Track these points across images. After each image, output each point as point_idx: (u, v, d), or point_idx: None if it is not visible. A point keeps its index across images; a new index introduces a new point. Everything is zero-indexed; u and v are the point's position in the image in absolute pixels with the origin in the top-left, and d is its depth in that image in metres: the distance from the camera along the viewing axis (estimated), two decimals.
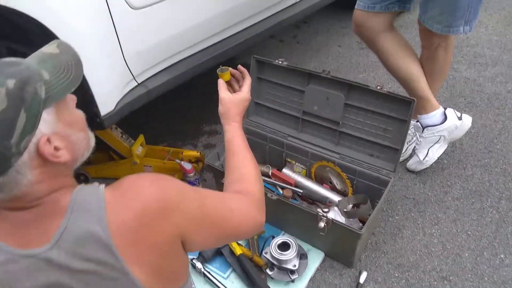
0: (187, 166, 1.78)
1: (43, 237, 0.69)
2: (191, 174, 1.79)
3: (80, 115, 0.79)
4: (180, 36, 1.72)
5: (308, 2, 2.33)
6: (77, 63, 0.75)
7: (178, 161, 1.81)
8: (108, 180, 1.92)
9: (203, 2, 1.73)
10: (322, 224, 1.37)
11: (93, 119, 1.55)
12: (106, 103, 1.53)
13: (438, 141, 1.73)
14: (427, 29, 1.56)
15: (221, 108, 1.12)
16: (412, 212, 1.67)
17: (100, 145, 1.88)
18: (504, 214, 1.61)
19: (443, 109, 1.72)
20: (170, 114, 2.36)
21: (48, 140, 0.68)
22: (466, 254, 1.49)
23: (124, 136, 1.92)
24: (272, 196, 1.47)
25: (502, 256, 1.47)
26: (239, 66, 1.21)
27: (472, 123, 2.04)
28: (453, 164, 1.85)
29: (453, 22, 1.49)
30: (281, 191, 1.70)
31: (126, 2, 1.45)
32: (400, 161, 1.60)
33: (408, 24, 2.98)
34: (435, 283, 1.41)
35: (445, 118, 1.71)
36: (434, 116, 1.71)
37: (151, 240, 0.72)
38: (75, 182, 0.78)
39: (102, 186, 0.74)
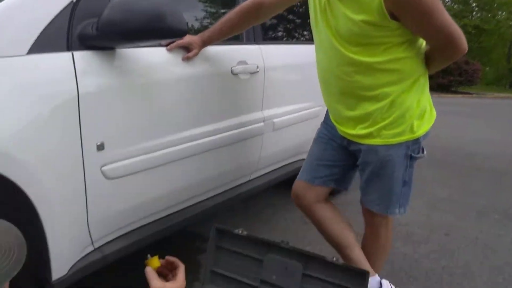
0: None
1: None
2: None
3: None
4: (143, 205, 1.80)
5: (260, 181, 2.58)
6: (20, 245, 0.67)
7: None
8: None
9: (169, 177, 1.87)
10: None
11: (42, 284, 1.46)
12: (59, 268, 1.47)
13: None
14: (369, 209, 1.79)
15: None
16: None
17: None
18: None
19: (379, 278, 1.85)
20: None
21: None
22: None
23: None
24: None
25: None
26: (167, 257, 1.21)
27: None
28: None
29: (390, 205, 1.72)
30: None
31: (102, 173, 1.55)
32: None
33: (350, 202, 3.30)
34: None
35: (381, 286, 1.84)
36: (369, 284, 1.81)
37: None
38: None
39: None
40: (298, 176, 1.94)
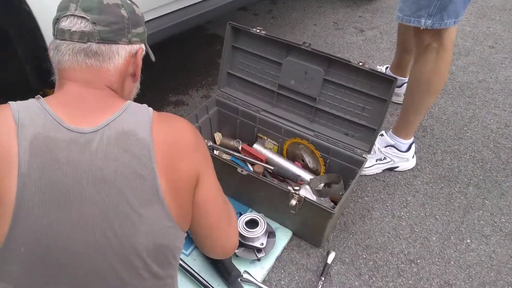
0: None
1: (94, 120, 0.77)
2: None
3: None
4: None
5: None
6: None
7: None
8: None
9: None
10: (293, 202, 1.31)
11: (44, 77, 1.41)
12: None
13: (387, 162, 1.73)
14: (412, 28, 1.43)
15: None
16: (381, 194, 1.65)
17: None
18: (471, 200, 1.62)
19: (412, 141, 1.73)
20: None
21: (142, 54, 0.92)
22: (434, 238, 1.49)
23: None
24: (242, 171, 1.39)
25: (468, 241, 1.48)
26: None
27: (443, 110, 2.08)
28: (423, 148, 1.85)
29: (416, 11, 1.37)
30: (250, 167, 1.63)
31: None
32: None
33: None
34: (402, 265, 1.40)
35: (409, 149, 1.72)
36: (405, 144, 1.71)
37: (180, 166, 0.81)
38: None
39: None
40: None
